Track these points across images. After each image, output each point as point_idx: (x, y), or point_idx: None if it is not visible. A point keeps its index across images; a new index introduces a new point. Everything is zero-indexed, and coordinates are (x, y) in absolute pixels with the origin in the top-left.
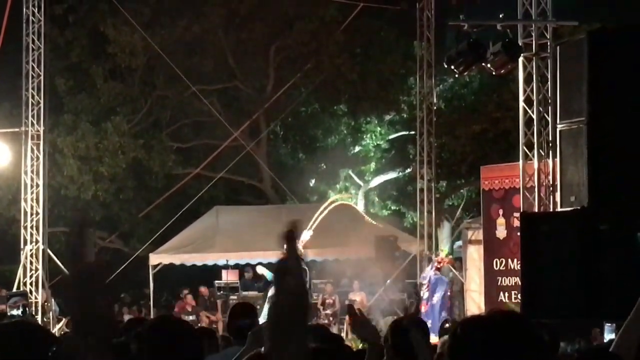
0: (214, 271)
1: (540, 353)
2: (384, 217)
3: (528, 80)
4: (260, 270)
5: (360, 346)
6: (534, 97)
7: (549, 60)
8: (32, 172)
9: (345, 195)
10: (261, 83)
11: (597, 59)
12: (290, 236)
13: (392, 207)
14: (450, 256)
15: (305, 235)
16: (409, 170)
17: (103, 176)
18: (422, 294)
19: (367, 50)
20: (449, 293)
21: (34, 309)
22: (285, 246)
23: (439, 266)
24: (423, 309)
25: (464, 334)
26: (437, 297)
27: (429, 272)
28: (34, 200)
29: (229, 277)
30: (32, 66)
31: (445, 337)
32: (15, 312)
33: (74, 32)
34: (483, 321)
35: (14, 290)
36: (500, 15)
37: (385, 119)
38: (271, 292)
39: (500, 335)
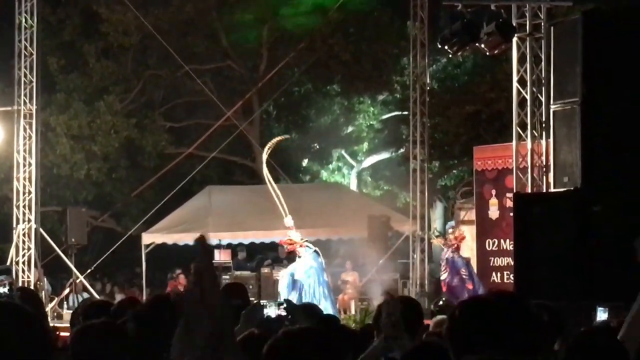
0: None
1: (539, 333)
2: (376, 197)
3: (522, 61)
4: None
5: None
6: (528, 78)
7: (542, 41)
8: (24, 151)
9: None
10: (254, 63)
11: (591, 40)
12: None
13: (385, 187)
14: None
15: (288, 221)
16: (401, 150)
17: (96, 155)
18: (440, 275)
19: (361, 31)
20: (464, 273)
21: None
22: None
23: (457, 244)
24: (444, 289)
25: (463, 315)
26: (457, 279)
27: (447, 253)
28: (27, 179)
29: (221, 257)
30: (25, 45)
31: (439, 317)
32: (1, 289)
33: (67, 11)
34: (481, 303)
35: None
36: None
37: (378, 99)
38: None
39: (498, 316)
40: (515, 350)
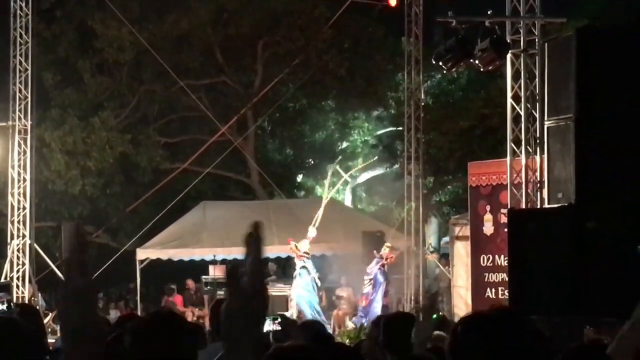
0: (201, 266)
1: (541, 350)
2: (371, 212)
3: (516, 77)
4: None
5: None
6: (522, 94)
7: (536, 57)
8: (19, 166)
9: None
10: (249, 78)
11: (585, 56)
12: (251, 238)
13: (380, 203)
14: (435, 253)
15: (311, 232)
16: (396, 166)
17: (90, 171)
18: (363, 289)
19: (355, 47)
20: (383, 290)
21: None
22: (246, 248)
23: (384, 262)
24: (363, 303)
25: (464, 331)
26: (376, 294)
27: (374, 268)
28: (21, 195)
29: (216, 272)
30: (20, 60)
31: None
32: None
33: (62, 27)
34: (483, 319)
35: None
36: (489, 12)
37: (373, 115)
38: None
39: (500, 332)
40: None
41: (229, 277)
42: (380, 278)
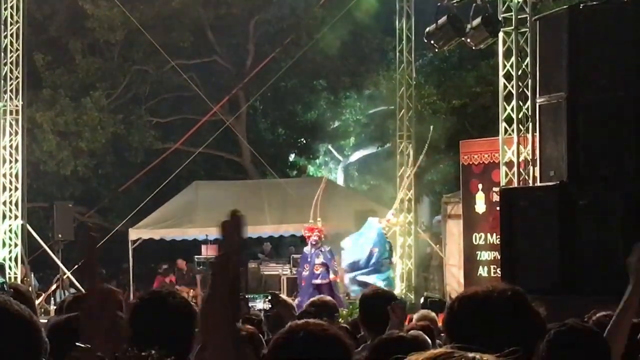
0: (194, 246)
1: (538, 328)
2: (363, 191)
3: (508, 55)
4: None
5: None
6: (514, 72)
7: (528, 35)
8: (10, 147)
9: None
10: (240, 58)
11: (577, 34)
12: (228, 226)
13: (372, 182)
14: (427, 232)
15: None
16: (388, 144)
17: (82, 151)
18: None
19: (347, 25)
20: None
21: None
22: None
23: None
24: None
25: (461, 308)
26: (308, 273)
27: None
28: (13, 176)
29: (208, 252)
30: (10, 41)
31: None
32: None
33: (52, 7)
34: (479, 296)
35: None
36: None
37: (365, 94)
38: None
39: (496, 310)
40: (513, 344)
41: (214, 270)
42: (312, 256)
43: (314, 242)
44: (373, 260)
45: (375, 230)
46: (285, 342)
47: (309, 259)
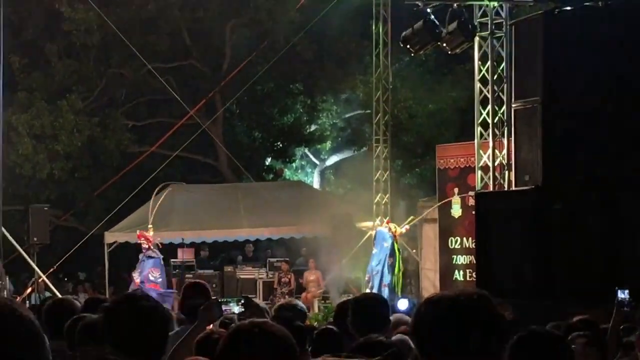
0: (170, 249)
1: (503, 333)
2: (339, 195)
3: (483, 60)
4: None
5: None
6: (489, 77)
7: (504, 40)
8: None
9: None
10: (217, 61)
11: (552, 39)
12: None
13: (348, 186)
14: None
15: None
16: (364, 148)
17: (58, 154)
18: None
19: (323, 29)
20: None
21: None
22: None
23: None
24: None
25: (427, 312)
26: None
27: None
28: None
29: (184, 255)
30: None
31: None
32: None
33: (29, 9)
34: (446, 300)
35: None
36: None
37: (341, 98)
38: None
39: (462, 314)
40: (480, 349)
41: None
42: (148, 263)
43: (144, 249)
44: (387, 269)
45: (390, 240)
46: (232, 342)
47: (141, 264)
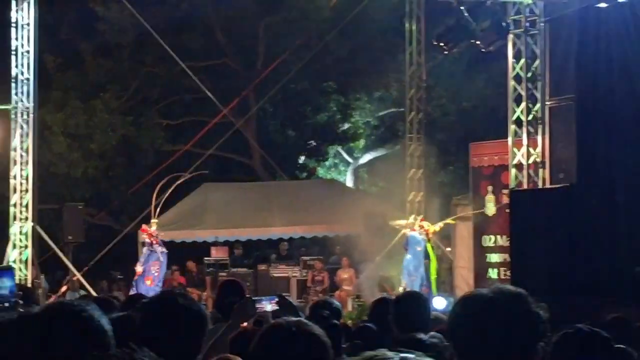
0: (203, 248)
1: (539, 330)
2: (373, 193)
3: (517, 57)
4: None
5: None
6: (523, 74)
7: (538, 37)
8: (21, 149)
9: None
10: (250, 60)
11: (587, 37)
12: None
13: (381, 184)
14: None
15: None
16: (398, 147)
17: (92, 153)
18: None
19: (357, 27)
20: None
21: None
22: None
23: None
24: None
25: (464, 310)
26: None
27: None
28: (23, 178)
29: (218, 253)
30: (22, 43)
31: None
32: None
33: (63, 9)
34: (482, 297)
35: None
36: None
37: (375, 96)
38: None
39: (498, 311)
40: (514, 345)
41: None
42: (152, 257)
43: (147, 244)
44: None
45: (423, 243)
46: (267, 340)
47: (145, 258)
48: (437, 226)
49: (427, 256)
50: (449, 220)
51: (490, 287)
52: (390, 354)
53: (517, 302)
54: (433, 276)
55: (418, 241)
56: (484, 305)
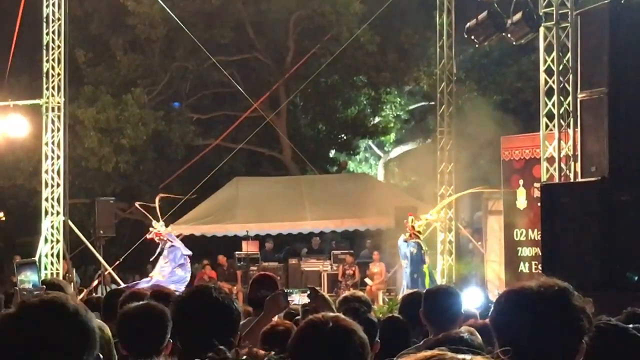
0: (234, 242)
1: (584, 325)
2: (403, 187)
3: (548, 50)
4: None
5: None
6: (555, 67)
7: (569, 30)
8: (52, 143)
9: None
10: (281, 54)
11: (619, 29)
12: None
13: (412, 178)
14: (468, 228)
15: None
16: (429, 140)
17: (123, 148)
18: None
19: (387, 21)
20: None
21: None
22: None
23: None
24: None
25: (508, 303)
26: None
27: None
28: (55, 172)
29: (249, 247)
30: (52, 38)
31: None
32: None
33: (94, 4)
34: (527, 291)
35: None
36: None
37: (405, 90)
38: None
39: (543, 306)
40: (559, 339)
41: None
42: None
43: (162, 242)
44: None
45: (408, 247)
46: (306, 334)
47: (170, 253)
48: (424, 219)
49: (422, 259)
50: (443, 206)
51: (536, 281)
52: (460, 356)
53: (563, 297)
54: (427, 280)
55: (407, 247)
56: (531, 299)
